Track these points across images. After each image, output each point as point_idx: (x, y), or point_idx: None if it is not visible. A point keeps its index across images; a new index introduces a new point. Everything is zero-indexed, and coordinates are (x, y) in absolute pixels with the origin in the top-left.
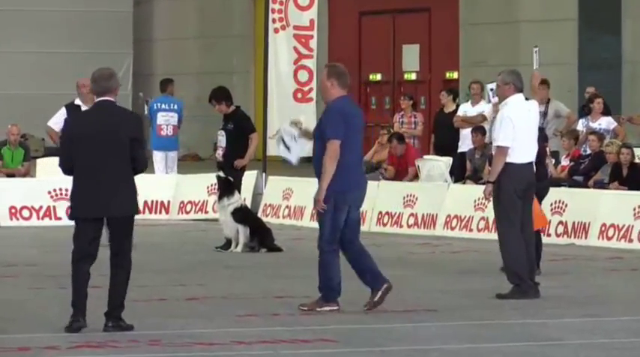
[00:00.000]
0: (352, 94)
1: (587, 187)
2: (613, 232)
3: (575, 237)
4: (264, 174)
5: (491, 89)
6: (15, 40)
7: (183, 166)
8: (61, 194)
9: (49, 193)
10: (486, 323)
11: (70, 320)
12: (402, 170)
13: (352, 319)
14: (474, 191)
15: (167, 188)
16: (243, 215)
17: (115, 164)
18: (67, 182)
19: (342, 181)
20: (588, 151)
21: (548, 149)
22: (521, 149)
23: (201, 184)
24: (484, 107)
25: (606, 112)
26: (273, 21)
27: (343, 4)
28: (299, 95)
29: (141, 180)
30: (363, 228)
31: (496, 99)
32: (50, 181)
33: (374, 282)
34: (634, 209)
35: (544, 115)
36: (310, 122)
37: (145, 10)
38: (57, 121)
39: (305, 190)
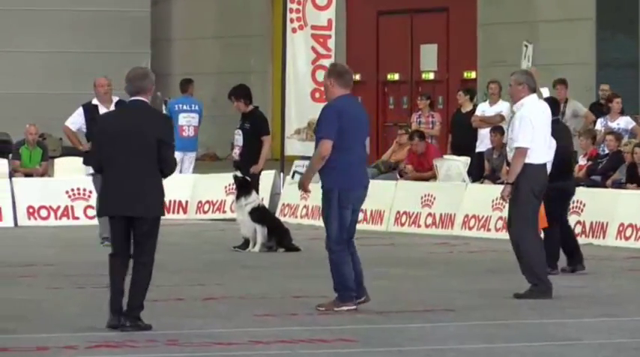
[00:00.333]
0: (365, 95)
1: (604, 186)
2: (631, 232)
3: (592, 237)
4: (281, 174)
5: (528, 56)
6: (33, 39)
7: (201, 166)
8: (79, 194)
9: (67, 192)
10: (504, 323)
11: (109, 318)
12: (422, 169)
13: (370, 318)
14: (491, 191)
15: (185, 188)
16: (261, 215)
17: (142, 165)
18: (84, 182)
19: (346, 179)
20: (606, 151)
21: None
22: (539, 150)
23: (219, 184)
24: (502, 107)
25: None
26: (291, 21)
27: (361, 3)
28: (317, 95)
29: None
30: (381, 228)
31: (529, 64)
32: (68, 180)
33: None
34: None
35: (562, 114)
36: None
37: (163, 10)
38: (74, 121)
39: None
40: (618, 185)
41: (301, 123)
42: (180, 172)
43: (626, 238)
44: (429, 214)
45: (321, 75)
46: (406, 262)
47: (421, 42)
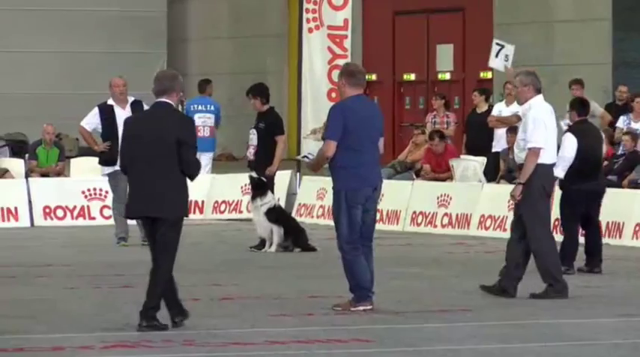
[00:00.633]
0: (381, 95)
1: (621, 186)
2: None
3: (609, 237)
4: (297, 174)
5: (506, 55)
6: (48, 39)
7: (218, 166)
8: (95, 194)
9: (83, 192)
10: (520, 323)
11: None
12: (440, 170)
13: (387, 318)
14: (508, 191)
15: (201, 188)
16: (277, 215)
17: (163, 166)
18: (100, 182)
19: (354, 180)
20: (623, 151)
21: None
22: (550, 150)
23: (236, 184)
24: (518, 107)
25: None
26: (307, 21)
27: (377, 3)
28: (333, 95)
29: None
30: (397, 228)
31: (509, 64)
32: (84, 180)
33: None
34: None
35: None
36: None
37: (179, 11)
38: (89, 121)
39: None
40: (635, 185)
41: (317, 123)
42: None
43: None
44: (445, 214)
45: (337, 75)
46: (422, 262)
47: (437, 42)
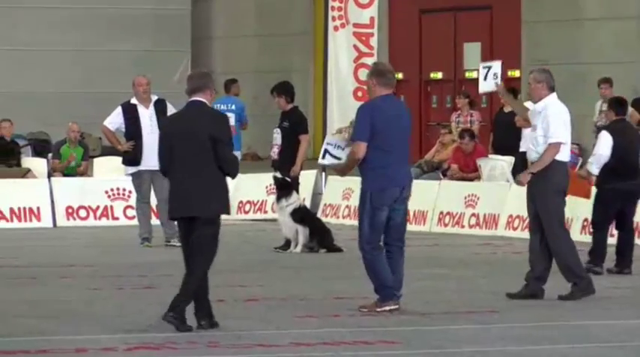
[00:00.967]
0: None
1: None
2: None
3: (639, 236)
4: (323, 173)
5: (495, 74)
6: (71, 38)
7: (242, 166)
8: (118, 194)
9: (107, 192)
10: (548, 324)
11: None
12: (468, 169)
13: (413, 320)
14: None
15: None
16: (303, 215)
17: (199, 164)
18: (124, 182)
19: (381, 180)
20: None
21: None
22: (567, 148)
23: (260, 184)
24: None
25: None
26: (333, 19)
27: (404, 1)
28: (359, 94)
29: None
30: (424, 228)
31: (498, 81)
32: (107, 180)
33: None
34: None
35: (600, 112)
36: None
37: (203, 8)
38: (112, 120)
39: None
40: None
41: (343, 122)
42: None
43: None
44: (473, 215)
45: (363, 74)
46: (449, 263)
47: (464, 40)
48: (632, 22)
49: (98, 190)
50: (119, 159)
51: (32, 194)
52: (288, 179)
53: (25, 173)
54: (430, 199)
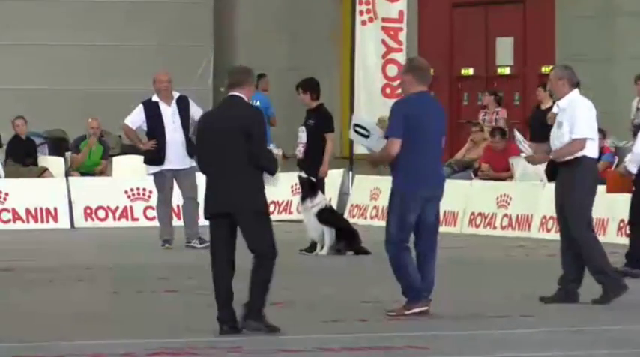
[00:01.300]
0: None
1: None
2: None
3: None
4: (350, 173)
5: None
6: (88, 32)
7: None
8: (138, 194)
9: (126, 192)
10: (583, 329)
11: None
12: (500, 168)
13: (444, 324)
14: None
15: None
16: (329, 216)
17: (235, 161)
18: (144, 182)
19: (411, 179)
20: None
21: None
22: (594, 144)
23: (285, 184)
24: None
25: None
26: (361, 13)
27: None
28: (387, 90)
29: None
30: (455, 230)
31: (526, 146)
32: (127, 180)
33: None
34: None
35: (637, 109)
36: None
37: (227, 2)
38: (133, 119)
39: None
40: None
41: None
42: None
43: None
44: (505, 215)
45: (391, 69)
46: (481, 266)
47: (496, 35)
48: None
49: (117, 190)
50: (139, 158)
51: (49, 194)
52: (314, 179)
53: (42, 173)
54: (461, 200)
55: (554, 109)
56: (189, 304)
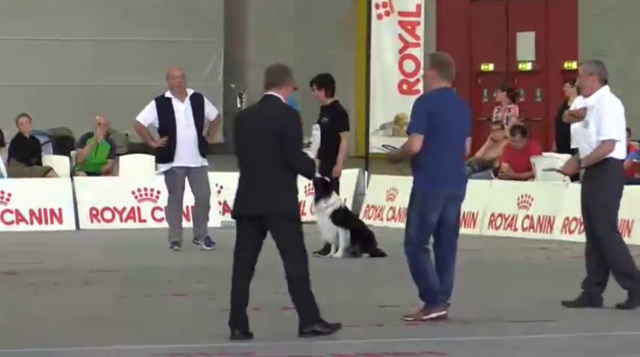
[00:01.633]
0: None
1: None
2: None
3: None
4: (366, 172)
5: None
6: (92, 27)
7: None
8: (146, 194)
9: (133, 192)
10: (606, 334)
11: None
12: (520, 168)
13: (461, 329)
14: None
15: None
16: (344, 217)
17: (269, 162)
18: (152, 181)
19: (432, 177)
20: None
21: None
22: (622, 145)
23: (298, 184)
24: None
25: None
26: (377, 6)
27: None
28: (404, 87)
29: (236, 179)
30: (474, 231)
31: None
32: (134, 180)
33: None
34: None
35: None
36: None
37: None
38: (145, 116)
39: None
40: None
41: (387, 117)
42: None
43: None
44: (527, 217)
45: (409, 65)
46: (501, 269)
47: (517, 30)
48: None
49: (124, 191)
50: (147, 157)
51: (54, 195)
52: (328, 179)
53: (46, 172)
54: (481, 200)
55: (574, 106)
56: (199, 308)
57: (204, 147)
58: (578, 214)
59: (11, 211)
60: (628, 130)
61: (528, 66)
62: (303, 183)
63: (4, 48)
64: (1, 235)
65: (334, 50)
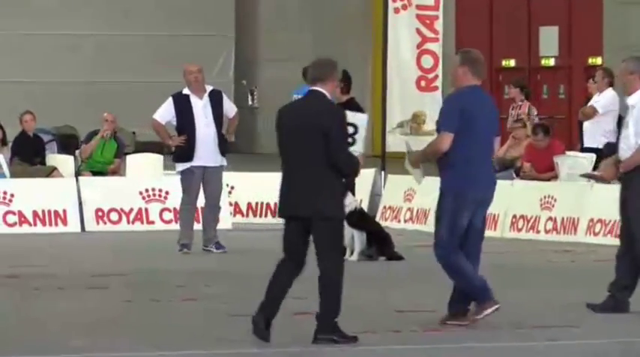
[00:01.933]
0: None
1: None
2: None
3: None
4: (382, 172)
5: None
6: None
7: None
8: (154, 195)
9: (141, 193)
10: (633, 341)
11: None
12: (543, 168)
13: (482, 336)
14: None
15: (274, 188)
16: (359, 219)
17: (310, 161)
18: (160, 181)
19: (462, 177)
20: None
21: None
22: None
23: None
24: (603, 97)
25: None
26: (394, 0)
27: None
28: (422, 83)
29: (247, 179)
30: (495, 234)
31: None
32: (142, 180)
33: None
34: None
35: None
36: (435, 114)
37: None
38: (163, 113)
39: (430, 191)
40: None
41: (405, 115)
42: None
43: None
44: (550, 218)
45: (427, 61)
46: (523, 272)
47: (540, 24)
48: None
49: (131, 191)
50: (155, 156)
51: (58, 195)
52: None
53: (50, 172)
54: (502, 201)
55: (592, 102)
56: (209, 313)
57: (224, 145)
58: (604, 216)
59: (14, 213)
60: None
61: (551, 62)
62: None
63: (6, 43)
64: (3, 238)
65: (349, 45)
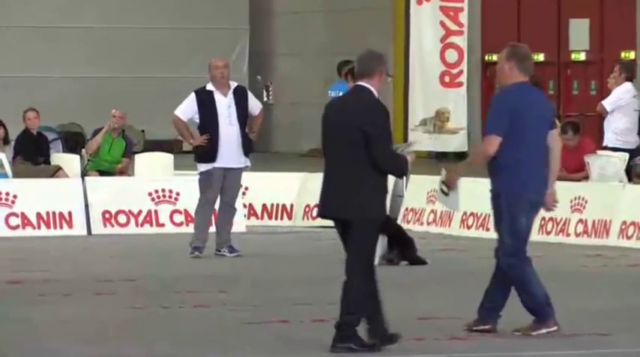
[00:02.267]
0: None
1: None
2: None
3: None
4: None
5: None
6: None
7: (310, 163)
8: (164, 196)
9: (150, 194)
10: None
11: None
12: (573, 167)
13: (509, 344)
14: None
15: (289, 189)
16: None
17: (351, 160)
18: (170, 182)
19: (515, 180)
20: None
21: None
22: None
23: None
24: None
25: None
26: None
27: None
28: (446, 79)
29: (261, 179)
30: None
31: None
32: (151, 180)
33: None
34: None
35: None
36: (460, 111)
37: None
38: (185, 109)
39: None
40: None
41: (428, 112)
42: None
43: None
44: (580, 221)
45: (451, 55)
46: (552, 277)
47: (570, 16)
48: None
49: (140, 192)
50: (165, 155)
51: (63, 196)
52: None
53: (55, 172)
54: None
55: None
56: (222, 321)
57: (249, 145)
58: (637, 218)
59: (17, 215)
60: None
61: (582, 56)
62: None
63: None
64: (5, 241)
65: (370, 38)
